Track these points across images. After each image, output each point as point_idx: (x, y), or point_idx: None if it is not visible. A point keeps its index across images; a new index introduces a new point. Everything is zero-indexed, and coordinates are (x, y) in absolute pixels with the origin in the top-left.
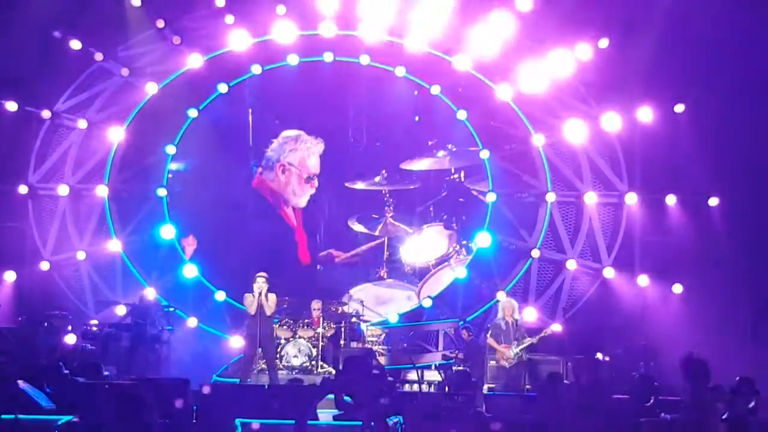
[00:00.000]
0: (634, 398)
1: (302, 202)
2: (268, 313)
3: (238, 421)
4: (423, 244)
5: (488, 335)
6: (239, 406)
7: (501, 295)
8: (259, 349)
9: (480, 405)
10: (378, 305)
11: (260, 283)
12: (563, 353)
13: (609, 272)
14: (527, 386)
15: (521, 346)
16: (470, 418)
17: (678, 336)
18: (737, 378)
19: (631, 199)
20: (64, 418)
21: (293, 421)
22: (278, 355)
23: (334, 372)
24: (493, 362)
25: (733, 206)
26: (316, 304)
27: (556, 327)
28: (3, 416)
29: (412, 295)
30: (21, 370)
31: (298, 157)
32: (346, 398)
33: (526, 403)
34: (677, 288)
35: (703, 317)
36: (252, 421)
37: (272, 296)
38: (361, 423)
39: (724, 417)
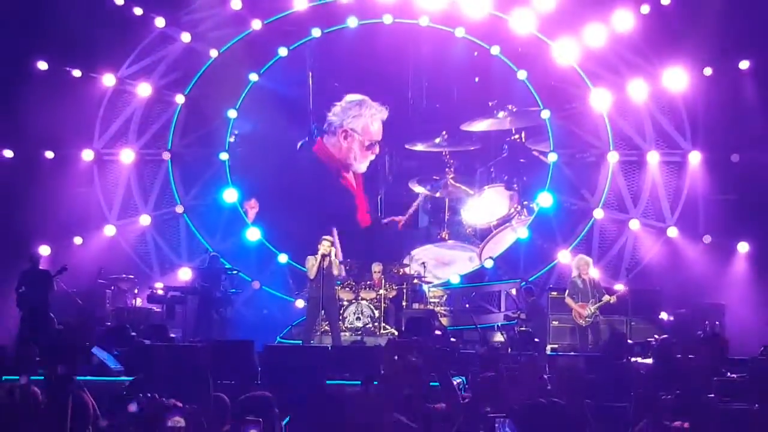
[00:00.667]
0: (698, 358)
1: (363, 167)
2: (336, 274)
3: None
4: (484, 205)
5: (566, 294)
6: (303, 368)
7: (563, 255)
8: (322, 312)
9: (543, 365)
10: (439, 267)
11: (325, 246)
12: (627, 314)
13: (672, 231)
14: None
15: (597, 305)
16: (531, 380)
17: (743, 295)
18: None
19: (695, 157)
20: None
21: (359, 382)
22: (341, 317)
23: (396, 333)
24: (555, 322)
25: None
26: (377, 267)
27: (621, 287)
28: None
29: (473, 256)
30: (89, 333)
31: (361, 124)
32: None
33: (589, 363)
34: (743, 247)
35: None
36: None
37: (335, 260)
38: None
39: None
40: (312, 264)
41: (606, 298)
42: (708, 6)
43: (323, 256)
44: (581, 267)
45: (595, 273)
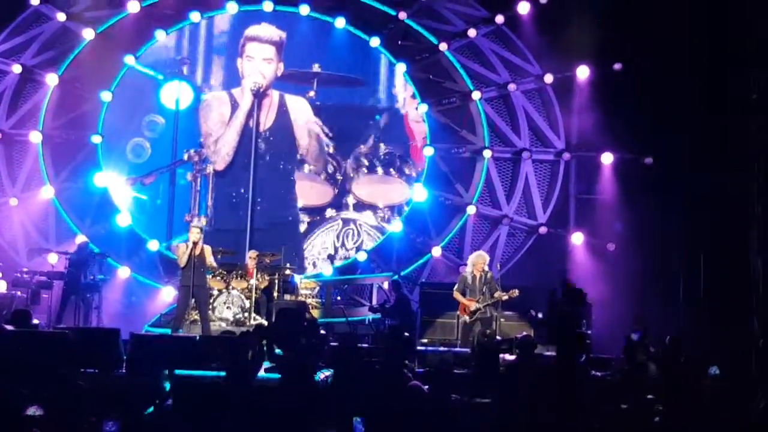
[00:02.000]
0: (566, 357)
1: None
2: (208, 264)
3: (166, 372)
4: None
5: (454, 289)
6: (169, 357)
7: (436, 250)
8: (192, 300)
9: (412, 360)
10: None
11: (195, 234)
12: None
13: (543, 229)
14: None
15: (486, 302)
16: (394, 373)
17: (611, 294)
18: (668, 338)
19: (567, 156)
20: None
21: (223, 373)
22: (211, 307)
23: (266, 323)
24: (425, 317)
25: (667, 166)
26: (252, 254)
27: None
28: None
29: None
30: None
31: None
32: (278, 351)
33: (458, 358)
34: (610, 246)
35: (634, 276)
36: (182, 372)
37: (207, 248)
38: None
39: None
40: (183, 252)
41: (498, 294)
42: (585, 6)
43: (194, 244)
44: (477, 263)
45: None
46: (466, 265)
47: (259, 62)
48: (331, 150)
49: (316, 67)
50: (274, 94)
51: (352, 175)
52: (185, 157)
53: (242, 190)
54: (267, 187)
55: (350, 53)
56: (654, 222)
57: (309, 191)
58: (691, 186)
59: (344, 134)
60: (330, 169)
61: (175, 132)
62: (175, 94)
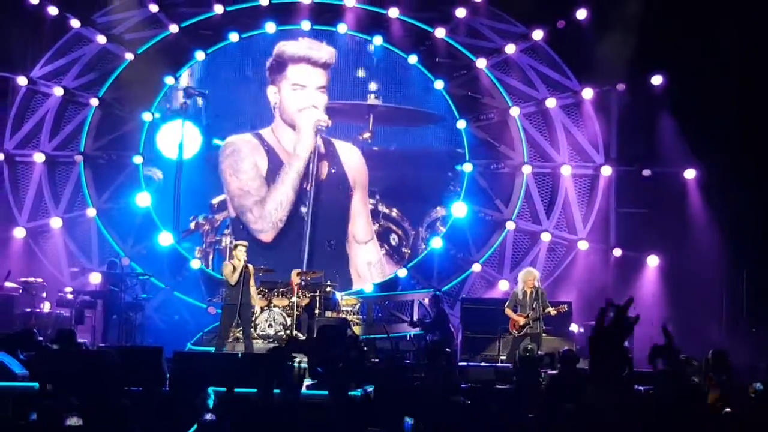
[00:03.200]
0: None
1: None
2: (253, 283)
3: (211, 390)
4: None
5: (506, 305)
6: (213, 375)
7: (476, 266)
8: (237, 319)
9: (454, 375)
10: None
11: (242, 252)
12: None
13: (583, 244)
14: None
15: (535, 317)
16: (439, 388)
17: (652, 308)
18: (711, 352)
19: (607, 171)
20: (36, 386)
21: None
22: (252, 324)
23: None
24: (468, 332)
25: (709, 179)
26: (296, 271)
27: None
28: None
29: None
30: None
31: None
32: (319, 368)
33: (501, 375)
34: (652, 260)
35: (677, 290)
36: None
37: (251, 266)
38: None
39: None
40: (231, 270)
41: (548, 310)
42: (622, 21)
43: (244, 262)
44: (527, 280)
45: (504, 285)
46: (505, 279)
47: (313, 92)
48: (394, 214)
49: (372, 99)
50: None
51: (424, 246)
52: (192, 226)
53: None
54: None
55: (415, 82)
56: (696, 236)
57: (366, 271)
58: (733, 200)
59: (411, 191)
60: (393, 240)
61: (176, 190)
62: (175, 138)
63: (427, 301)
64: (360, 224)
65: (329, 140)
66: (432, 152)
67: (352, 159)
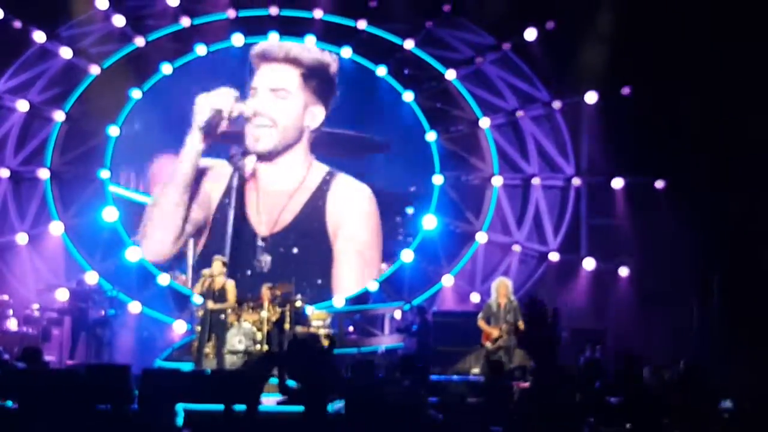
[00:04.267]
0: (581, 382)
1: None
2: (231, 301)
3: (180, 407)
4: None
5: (479, 317)
6: (182, 392)
7: (447, 279)
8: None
9: (426, 389)
10: None
11: (216, 266)
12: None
13: (554, 256)
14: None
15: (507, 330)
16: (413, 403)
17: (623, 319)
18: (682, 362)
19: (577, 182)
20: (3, 404)
21: (242, 406)
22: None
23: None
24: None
25: (679, 189)
26: (266, 286)
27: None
28: None
29: None
30: None
31: None
32: (290, 383)
33: (472, 388)
34: (623, 271)
35: (649, 299)
36: (195, 407)
37: (231, 282)
38: (304, 408)
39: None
40: (201, 284)
41: (520, 323)
42: (592, 32)
43: (212, 277)
44: (499, 290)
45: (476, 297)
46: (477, 292)
47: (264, 94)
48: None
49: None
50: (316, 168)
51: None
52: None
53: None
54: None
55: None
56: (666, 246)
57: None
58: (702, 209)
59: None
60: None
61: None
62: None
63: (398, 314)
64: None
65: (333, 172)
66: (378, 193)
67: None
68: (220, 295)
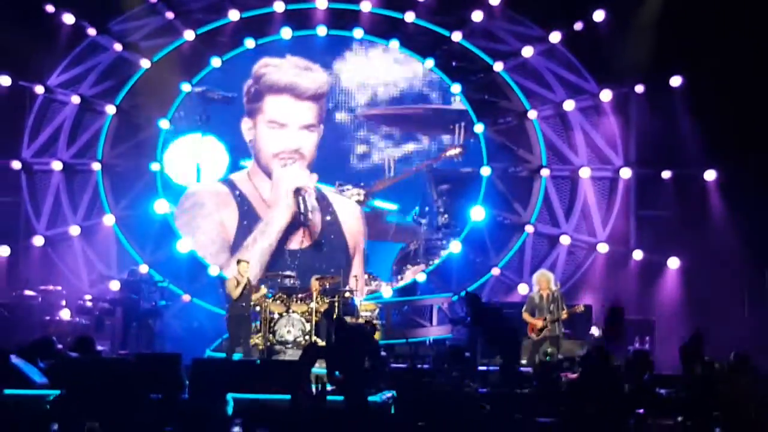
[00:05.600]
0: (629, 372)
1: None
2: (254, 300)
3: (230, 396)
4: None
5: (523, 310)
6: (231, 381)
7: (495, 270)
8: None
9: (474, 380)
10: None
11: (244, 269)
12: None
13: (603, 247)
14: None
15: (551, 320)
16: (461, 395)
17: (673, 311)
18: (732, 354)
19: (626, 173)
20: (56, 393)
21: (287, 396)
22: (271, 330)
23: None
24: None
25: (729, 181)
26: (315, 277)
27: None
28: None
29: None
30: (14, 346)
31: None
32: (337, 374)
33: (520, 378)
34: (673, 262)
35: (698, 292)
36: (244, 396)
37: (263, 288)
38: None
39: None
40: (234, 285)
41: (562, 314)
42: (641, 23)
43: (248, 281)
44: (541, 282)
45: (524, 289)
46: (524, 283)
47: (295, 133)
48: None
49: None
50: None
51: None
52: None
53: None
54: None
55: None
56: (717, 238)
57: None
58: (753, 201)
59: None
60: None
61: None
62: (191, 158)
63: (446, 306)
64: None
65: (323, 195)
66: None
67: (351, 219)
68: (248, 294)
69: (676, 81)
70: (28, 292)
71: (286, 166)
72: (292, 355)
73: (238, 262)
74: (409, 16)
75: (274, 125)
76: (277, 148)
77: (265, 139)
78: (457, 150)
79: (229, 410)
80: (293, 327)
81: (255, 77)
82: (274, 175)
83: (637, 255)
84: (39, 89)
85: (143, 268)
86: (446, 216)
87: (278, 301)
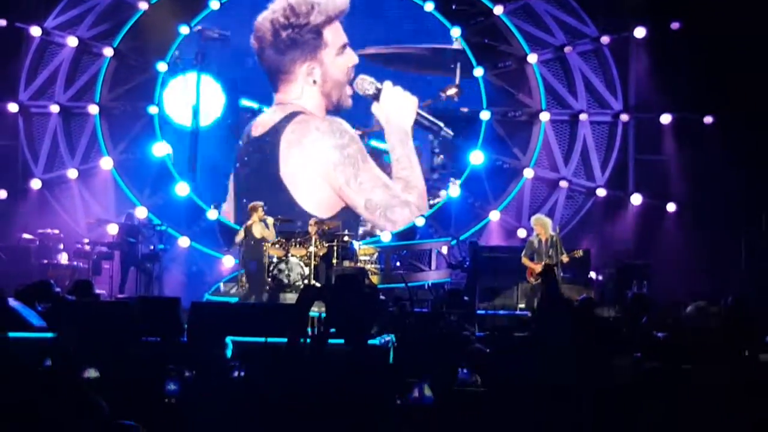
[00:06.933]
0: (626, 316)
1: None
2: (271, 239)
3: (229, 339)
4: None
5: (522, 254)
6: (230, 325)
7: (494, 214)
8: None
9: (472, 324)
10: None
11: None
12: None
13: (601, 191)
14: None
15: (551, 264)
16: (459, 339)
17: (671, 255)
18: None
19: (625, 117)
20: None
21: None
22: (269, 274)
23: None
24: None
25: (727, 125)
26: (312, 221)
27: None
28: None
29: None
30: (12, 289)
31: None
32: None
33: (518, 321)
34: (671, 207)
35: (696, 236)
36: (243, 339)
37: (270, 220)
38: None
39: None
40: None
41: (562, 258)
42: None
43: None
44: (537, 227)
45: (522, 233)
46: (523, 227)
47: (349, 50)
48: None
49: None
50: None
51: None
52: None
53: None
54: None
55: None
56: (714, 182)
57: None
58: (751, 144)
59: None
60: None
61: (192, 164)
62: (188, 98)
63: (445, 250)
64: None
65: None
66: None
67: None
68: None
69: (675, 25)
70: (25, 236)
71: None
72: (291, 299)
73: (256, 207)
74: None
75: (343, 50)
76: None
77: (340, 68)
78: (454, 90)
79: (228, 353)
80: (291, 271)
81: (311, 24)
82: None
83: (636, 199)
84: (35, 31)
85: (141, 212)
86: (442, 156)
87: (277, 245)
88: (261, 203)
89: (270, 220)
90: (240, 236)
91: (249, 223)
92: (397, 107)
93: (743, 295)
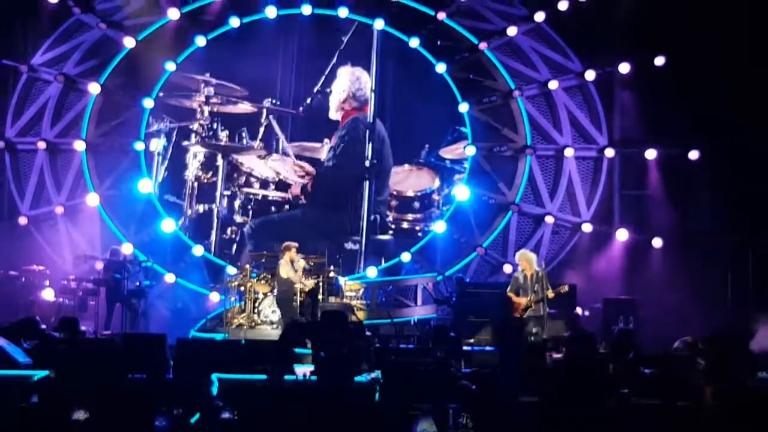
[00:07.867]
0: (613, 353)
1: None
2: (296, 281)
3: (214, 376)
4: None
5: (507, 290)
6: (216, 361)
7: (480, 250)
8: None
9: (459, 360)
10: None
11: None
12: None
13: (587, 227)
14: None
15: (535, 300)
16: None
17: (657, 290)
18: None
19: (610, 153)
20: (40, 374)
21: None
22: (256, 310)
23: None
24: (471, 317)
25: (713, 160)
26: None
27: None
28: None
29: None
30: None
31: None
32: (323, 354)
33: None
34: (657, 242)
35: (682, 271)
36: (229, 377)
37: (302, 263)
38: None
39: None
40: (288, 270)
41: (550, 292)
42: (624, 2)
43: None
44: (522, 263)
45: (508, 269)
46: (509, 263)
47: None
48: None
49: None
50: None
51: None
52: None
53: None
54: None
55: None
56: (700, 217)
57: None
58: (737, 180)
59: None
60: None
61: None
62: None
63: (430, 285)
64: None
65: None
66: None
67: None
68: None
69: (659, 61)
70: (11, 272)
71: None
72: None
73: (290, 248)
74: None
75: None
76: None
77: None
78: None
79: (214, 390)
80: (278, 307)
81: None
82: None
83: (621, 235)
84: (23, 68)
85: (127, 248)
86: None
87: (262, 281)
88: (294, 244)
89: (301, 263)
90: (276, 275)
91: (280, 262)
92: None
93: (725, 330)
